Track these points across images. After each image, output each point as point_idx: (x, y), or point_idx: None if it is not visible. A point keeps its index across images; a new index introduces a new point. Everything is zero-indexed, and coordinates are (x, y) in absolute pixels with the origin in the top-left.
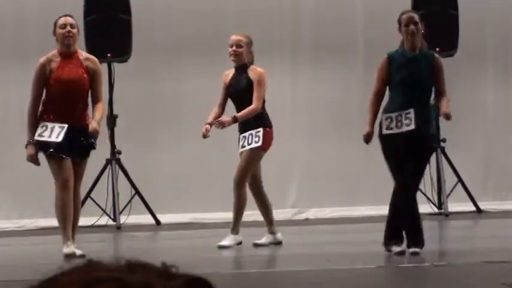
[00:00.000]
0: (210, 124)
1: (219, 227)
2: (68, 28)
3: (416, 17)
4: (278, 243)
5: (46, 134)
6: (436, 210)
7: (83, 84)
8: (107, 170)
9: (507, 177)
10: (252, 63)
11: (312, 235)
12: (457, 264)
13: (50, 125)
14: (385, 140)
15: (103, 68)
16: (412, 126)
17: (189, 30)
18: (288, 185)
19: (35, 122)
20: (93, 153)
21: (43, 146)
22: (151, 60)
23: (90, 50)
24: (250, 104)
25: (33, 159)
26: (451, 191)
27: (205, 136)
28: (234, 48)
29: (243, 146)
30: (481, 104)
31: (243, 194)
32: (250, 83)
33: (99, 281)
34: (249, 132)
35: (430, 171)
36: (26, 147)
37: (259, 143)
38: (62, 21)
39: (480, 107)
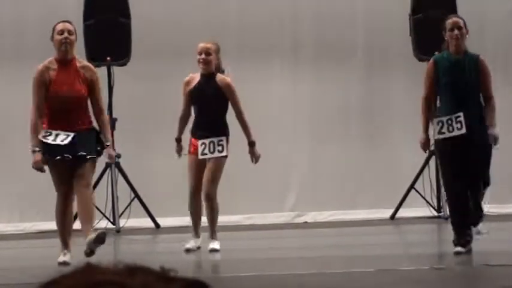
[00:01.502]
0: (180, 139)
1: (218, 230)
2: (66, 34)
3: (461, 21)
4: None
5: (50, 138)
6: (435, 213)
7: (79, 94)
8: (107, 174)
9: (506, 180)
10: (219, 71)
11: (311, 238)
12: (457, 267)
13: (54, 132)
14: (439, 145)
15: (103, 71)
16: (463, 131)
17: (188, 34)
18: (287, 188)
19: (38, 130)
20: None
21: (47, 150)
22: (151, 63)
23: (89, 53)
24: (213, 112)
25: (40, 167)
26: None
27: (179, 155)
28: (203, 56)
29: (203, 153)
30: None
31: (216, 205)
32: (219, 91)
33: (99, 285)
34: (210, 139)
35: (429, 174)
36: (32, 155)
37: (224, 153)
38: (60, 27)
39: None
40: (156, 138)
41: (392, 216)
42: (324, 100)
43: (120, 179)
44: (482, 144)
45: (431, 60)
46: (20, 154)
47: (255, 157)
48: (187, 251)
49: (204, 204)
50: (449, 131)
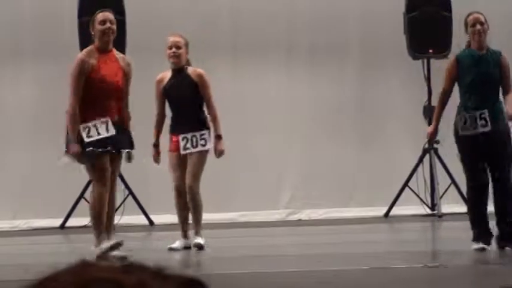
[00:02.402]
0: (158, 144)
1: (212, 227)
2: (108, 24)
3: (482, 17)
4: (189, 247)
5: (94, 133)
6: (429, 211)
7: (120, 82)
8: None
9: None
10: (189, 65)
11: (305, 236)
12: (450, 265)
13: (90, 124)
14: (461, 141)
15: None
16: (488, 128)
17: (183, 31)
18: (282, 186)
19: (78, 120)
20: None
21: (93, 145)
22: (146, 60)
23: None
24: (190, 107)
25: (78, 157)
26: (444, 192)
27: (157, 161)
28: (173, 50)
29: (186, 148)
30: None
31: (199, 200)
32: (194, 85)
33: (94, 282)
34: (192, 133)
35: (423, 172)
36: (70, 145)
37: (208, 146)
38: (101, 17)
39: None
40: (150, 135)
41: (386, 214)
42: (318, 98)
43: None
44: (504, 139)
45: (453, 58)
46: (14, 151)
47: (217, 151)
48: (170, 249)
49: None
50: (473, 128)
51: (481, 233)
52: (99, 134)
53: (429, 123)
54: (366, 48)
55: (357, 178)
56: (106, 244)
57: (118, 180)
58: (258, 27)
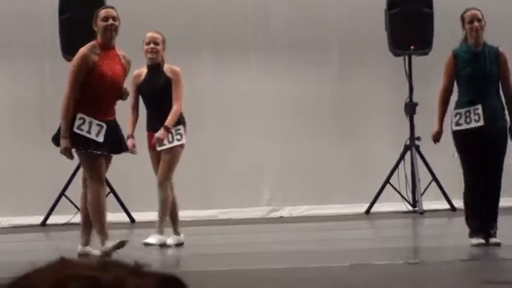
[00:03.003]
0: (133, 136)
1: (193, 224)
2: (111, 21)
3: (479, 14)
4: (181, 244)
5: (85, 128)
6: (410, 208)
7: (120, 82)
8: (81, 169)
9: None
10: (163, 62)
11: (286, 233)
12: (431, 262)
13: (87, 118)
14: (456, 136)
15: None
16: (481, 123)
17: (164, 28)
18: (263, 183)
19: (71, 115)
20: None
21: (82, 142)
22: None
23: (65, 47)
24: (166, 104)
25: (69, 153)
26: (426, 189)
27: (133, 152)
28: (151, 45)
29: (161, 144)
30: None
31: (169, 194)
32: (168, 82)
33: (72, 279)
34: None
35: (404, 169)
36: (61, 140)
37: (183, 141)
38: (104, 13)
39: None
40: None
41: (368, 211)
42: (299, 95)
43: None
44: (499, 137)
45: (450, 53)
46: None
47: (156, 139)
48: (163, 246)
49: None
50: (466, 123)
51: (478, 227)
52: (88, 132)
53: (410, 120)
54: (347, 44)
55: (338, 175)
56: (109, 244)
57: None
58: (238, 24)
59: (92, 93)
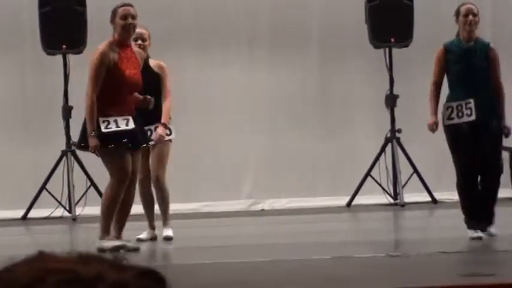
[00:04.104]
0: None
1: (175, 218)
2: (130, 20)
3: (475, 9)
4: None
5: (112, 126)
6: (391, 200)
7: (139, 78)
8: (62, 162)
9: None
10: (148, 56)
11: (268, 226)
12: (413, 254)
13: (111, 119)
14: (448, 129)
15: (58, 59)
16: (473, 117)
17: (144, 22)
18: (244, 176)
19: (96, 111)
20: (48, 144)
21: (113, 139)
22: None
23: (45, 41)
24: (157, 97)
25: (98, 151)
26: (407, 181)
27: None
28: (139, 42)
29: (150, 140)
30: None
31: (166, 190)
32: (157, 77)
33: (51, 272)
34: (156, 124)
35: (385, 162)
36: (89, 139)
37: (172, 135)
38: (122, 11)
39: None
40: None
41: (349, 204)
42: (281, 88)
43: (76, 167)
44: (493, 132)
45: (441, 47)
46: None
47: (159, 136)
48: (139, 240)
49: (154, 190)
50: (458, 117)
51: (474, 220)
52: (117, 126)
53: (391, 113)
54: (328, 37)
55: (320, 167)
56: (113, 243)
57: (79, 170)
58: (220, 16)
59: (113, 91)
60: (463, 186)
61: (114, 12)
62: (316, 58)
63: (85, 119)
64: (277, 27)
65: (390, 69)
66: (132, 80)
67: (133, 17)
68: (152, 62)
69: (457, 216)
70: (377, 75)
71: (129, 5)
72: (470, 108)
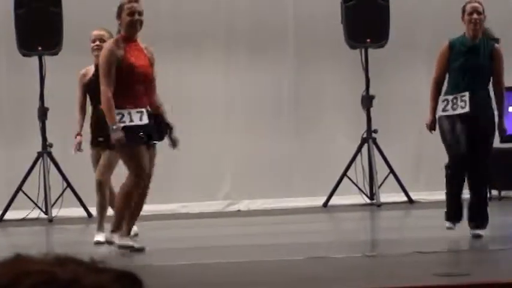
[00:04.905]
0: (81, 134)
1: (152, 219)
2: (137, 16)
3: (480, 7)
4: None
5: (126, 119)
6: (368, 200)
7: (148, 68)
8: (39, 163)
9: (438, 167)
10: None
11: (244, 227)
12: (389, 254)
13: (125, 111)
14: (441, 121)
15: (34, 61)
16: (467, 109)
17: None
18: (220, 177)
19: (113, 106)
20: (24, 146)
21: (127, 134)
22: (82, 53)
23: (20, 42)
24: None
25: (123, 142)
26: (383, 181)
27: (80, 150)
28: (97, 43)
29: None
30: (413, 94)
31: (108, 193)
32: None
33: (28, 274)
34: None
35: (361, 162)
36: (111, 133)
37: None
38: (129, 7)
39: (412, 97)
40: (87, 127)
41: (325, 204)
42: (256, 88)
43: (52, 168)
44: (485, 128)
45: (446, 43)
46: None
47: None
48: (98, 243)
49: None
50: (453, 109)
51: (451, 212)
52: (131, 120)
53: (367, 113)
54: (304, 37)
55: (296, 168)
56: (124, 241)
57: (55, 171)
58: (197, 17)
59: (124, 86)
60: (454, 175)
61: (120, 8)
62: (292, 58)
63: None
64: (253, 28)
65: (366, 69)
66: (142, 71)
67: (140, 13)
68: None
69: (434, 216)
70: (353, 75)
71: (135, 0)
72: (465, 101)
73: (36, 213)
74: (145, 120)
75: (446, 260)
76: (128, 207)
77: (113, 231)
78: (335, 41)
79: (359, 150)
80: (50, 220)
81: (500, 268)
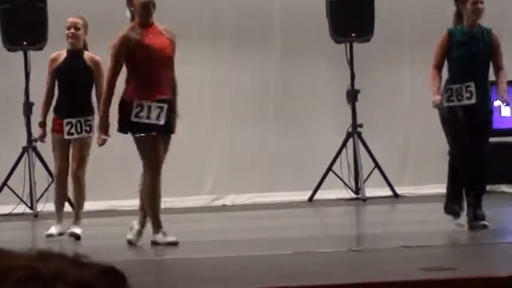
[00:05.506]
0: (45, 123)
1: (136, 214)
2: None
3: None
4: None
5: (143, 114)
6: (353, 195)
7: (168, 50)
8: (24, 158)
9: (424, 162)
10: (86, 48)
11: (229, 221)
12: (375, 248)
13: (145, 103)
14: (445, 111)
15: (19, 56)
16: (473, 100)
17: (104, 18)
18: (205, 172)
19: (111, 97)
20: (9, 141)
21: (141, 128)
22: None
23: (5, 37)
24: (83, 91)
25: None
26: (368, 176)
27: (43, 141)
28: (72, 30)
29: (70, 133)
30: (398, 89)
31: (84, 188)
32: (87, 70)
33: (11, 269)
34: (77, 118)
35: (347, 156)
36: (100, 124)
37: (92, 133)
38: None
39: (397, 92)
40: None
41: (311, 199)
42: (242, 83)
43: (38, 163)
44: (487, 117)
45: (445, 32)
46: None
47: (102, 141)
48: (50, 236)
49: (71, 186)
50: (458, 100)
51: (457, 206)
52: (148, 117)
53: (352, 107)
54: (289, 32)
55: (281, 162)
56: (167, 238)
57: (40, 166)
58: (182, 11)
59: (144, 72)
60: (463, 166)
61: None
62: (277, 53)
63: (119, 104)
64: (238, 24)
65: (351, 63)
66: (161, 54)
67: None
68: (87, 55)
69: (419, 210)
70: (338, 70)
71: None
72: (471, 92)
73: (21, 208)
74: (162, 120)
75: (433, 254)
76: (157, 202)
77: (155, 232)
78: (320, 35)
79: (344, 144)
80: (36, 215)
81: (488, 262)
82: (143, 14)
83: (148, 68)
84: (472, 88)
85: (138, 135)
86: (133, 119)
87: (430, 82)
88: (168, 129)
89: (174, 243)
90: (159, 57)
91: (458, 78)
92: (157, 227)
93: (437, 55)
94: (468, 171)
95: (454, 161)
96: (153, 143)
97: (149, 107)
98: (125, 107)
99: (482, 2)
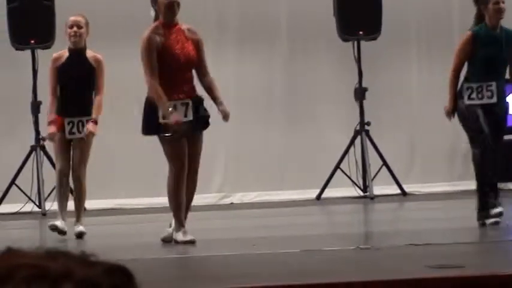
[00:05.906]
0: (55, 122)
1: (145, 212)
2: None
3: None
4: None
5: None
6: (361, 193)
7: (192, 55)
8: (32, 157)
9: (431, 159)
10: (86, 46)
11: (237, 220)
12: (382, 246)
13: (171, 104)
14: (466, 109)
15: (27, 54)
16: (494, 99)
17: (111, 15)
18: (213, 170)
19: (162, 92)
20: (18, 140)
21: (168, 128)
22: None
23: (13, 36)
24: (85, 91)
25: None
26: (376, 174)
27: (52, 138)
28: (75, 29)
29: (71, 133)
30: (405, 87)
31: (85, 187)
32: (91, 70)
33: (19, 268)
34: (79, 118)
35: (354, 154)
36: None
37: (91, 133)
38: None
39: (404, 90)
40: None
41: (319, 197)
42: (248, 81)
43: (46, 162)
44: (502, 118)
45: (469, 33)
46: None
47: (89, 133)
48: (55, 228)
49: (72, 185)
50: (479, 98)
51: (486, 203)
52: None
53: (360, 105)
54: (296, 30)
55: (289, 160)
56: (185, 237)
57: (48, 165)
58: (187, 9)
59: (168, 74)
60: (481, 161)
61: None
62: (284, 51)
63: (144, 106)
64: (244, 20)
65: (359, 62)
66: (184, 56)
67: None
68: (89, 53)
69: (426, 208)
70: (345, 68)
71: None
72: (492, 91)
73: (29, 207)
74: (190, 116)
75: (441, 252)
76: (180, 202)
77: (177, 230)
78: (327, 33)
79: (352, 142)
80: (44, 214)
81: (497, 260)
82: (167, 14)
83: (170, 73)
84: (494, 88)
85: (164, 135)
86: (160, 120)
87: (449, 86)
88: (194, 127)
89: (191, 242)
90: (182, 60)
91: (479, 77)
92: (179, 225)
93: (460, 58)
94: (488, 164)
95: (479, 158)
96: (178, 144)
97: (174, 105)
98: (150, 109)
99: (503, 2)
